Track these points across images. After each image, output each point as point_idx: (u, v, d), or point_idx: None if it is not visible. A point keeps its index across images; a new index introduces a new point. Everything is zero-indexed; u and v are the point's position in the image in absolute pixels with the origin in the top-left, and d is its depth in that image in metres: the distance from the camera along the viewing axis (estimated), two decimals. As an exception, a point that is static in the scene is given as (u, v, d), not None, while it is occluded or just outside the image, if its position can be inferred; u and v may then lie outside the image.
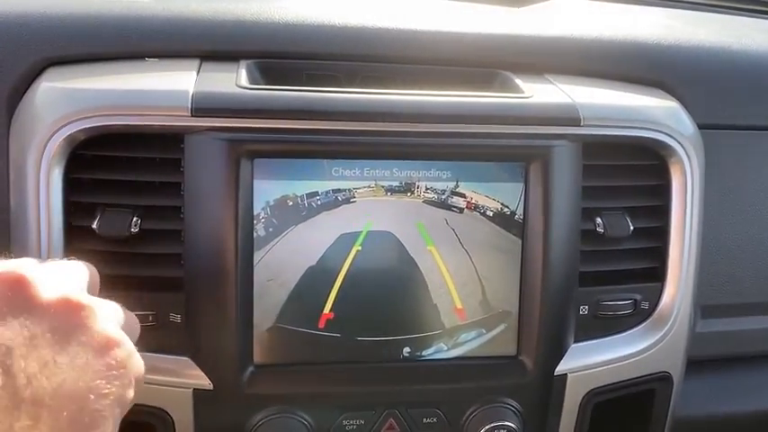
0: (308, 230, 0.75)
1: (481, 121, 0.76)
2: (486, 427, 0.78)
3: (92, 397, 0.48)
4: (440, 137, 0.75)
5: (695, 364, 0.96)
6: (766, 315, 1.03)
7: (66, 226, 0.73)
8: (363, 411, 0.78)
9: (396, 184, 0.76)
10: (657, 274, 0.86)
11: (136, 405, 0.74)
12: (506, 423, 0.78)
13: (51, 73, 0.79)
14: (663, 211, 0.85)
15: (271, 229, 0.74)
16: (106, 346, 0.51)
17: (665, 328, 0.86)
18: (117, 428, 0.51)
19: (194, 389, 0.75)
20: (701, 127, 0.89)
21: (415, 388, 0.79)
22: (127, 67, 0.81)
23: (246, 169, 0.72)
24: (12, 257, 0.73)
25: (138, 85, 0.76)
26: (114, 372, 0.50)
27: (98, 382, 0.49)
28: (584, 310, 0.83)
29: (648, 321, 0.86)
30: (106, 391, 0.49)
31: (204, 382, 0.75)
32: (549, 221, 0.78)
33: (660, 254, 0.86)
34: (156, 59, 0.83)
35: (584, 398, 0.84)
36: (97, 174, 0.74)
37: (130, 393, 0.52)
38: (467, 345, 0.80)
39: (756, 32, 1.08)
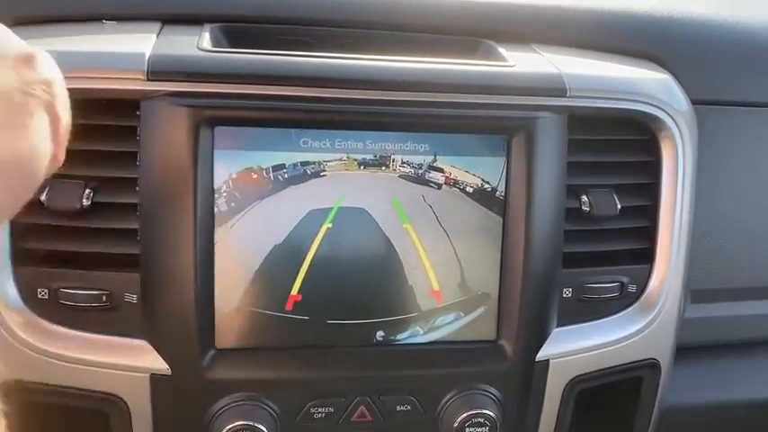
0: (274, 206, 0.70)
1: (461, 89, 0.71)
2: (463, 415, 0.73)
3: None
4: (417, 106, 0.70)
5: (683, 351, 0.92)
6: (757, 300, 0.99)
7: None
8: (333, 398, 0.73)
9: (369, 157, 0.71)
10: (646, 256, 0.82)
11: (88, 391, 0.71)
12: (484, 411, 0.74)
13: (14, 32, 0.74)
14: (652, 190, 0.81)
15: (233, 204, 0.69)
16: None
17: (654, 313, 0.81)
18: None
19: (151, 374, 0.70)
20: (693, 102, 0.85)
21: (388, 374, 0.74)
22: (84, 29, 0.76)
23: (206, 138, 0.67)
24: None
25: (92, 48, 0.71)
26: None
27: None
28: (567, 292, 0.79)
29: (636, 305, 0.82)
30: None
31: (162, 366, 0.70)
32: (531, 198, 0.73)
33: (649, 234, 0.81)
34: (114, 22, 0.78)
35: (567, 385, 0.80)
36: None
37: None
38: (443, 329, 0.75)
39: (752, 6, 1.03)
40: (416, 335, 0.75)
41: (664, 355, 0.84)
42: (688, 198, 0.81)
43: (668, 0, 1.00)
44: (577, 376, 0.80)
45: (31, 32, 0.74)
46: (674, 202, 0.80)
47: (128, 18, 0.79)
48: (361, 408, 0.74)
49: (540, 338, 0.77)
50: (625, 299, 0.81)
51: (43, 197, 0.68)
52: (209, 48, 0.71)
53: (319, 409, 0.73)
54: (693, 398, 0.97)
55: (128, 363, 0.70)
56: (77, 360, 0.70)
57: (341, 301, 0.73)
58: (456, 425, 0.73)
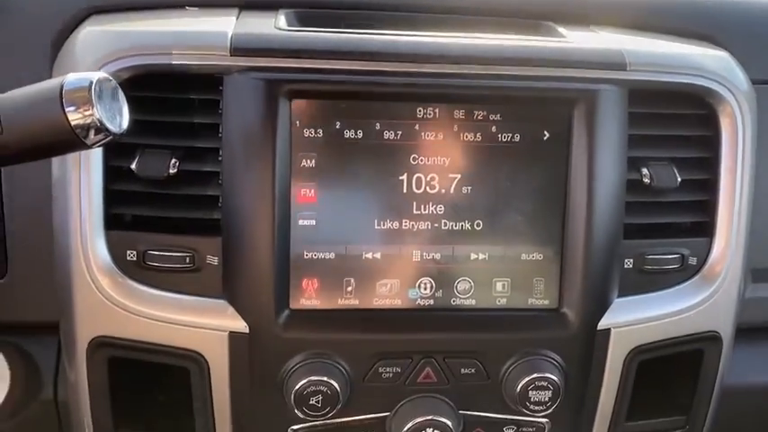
0: (349, 174, 0.74)
1: (524, 63, 0.74)
2: (527, 378, 0.75)
3: None
4: (482, 79, 0.73)
5: (744, 332, 0.92)
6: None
7: (105, 166, 0.74)
8: (400, 359, 0.76)
9: (439, 125, 0.74)
10: (706, 229, 0.83)
11: (171, 348, 0.76)
12: (547, 375, 0.75)
13: (94, 19, 0.80)
14: (712, 164, 0.82)
15: (309, 173, 0.73)
16: None
17: (714, 286, 0.82)
18: None
19: (230, 332, 0.75)
20: (753, 83, 0.86)
21: (453, 336, 0.77)
22: (167, 14, 0.82)
23: (285, 110, 0.72)
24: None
25: (179, 28, 0.76)
26: None
27: None
28: (628, 263, 0.80)
29: (697, 277, 0.83)
30: None
31: (240, 324, 0.74)
32: (593, 169, 0.75)
33: (709, 208, 0.82)
34: (195, 8, 0.84)
35: (628, 355, 0.81)
36: (137, 115, 0.73)
37: None
38: (507, 294, 0.78)
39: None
40: (480, 299, 0.77)
41: (725, 329, 0.85)
42: (748, 173, 0.82)
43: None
44: (639, 346, 0.81)
45: (115, 17, 0.80)
46: (733, 177, 0.81)
47: (207, 5, 0.85)
48: (427, 369, 0.77)
49: (602, 307, 0.79)
50: (686, 271, 0.82)
51: (133, 165, 0.73)
52: (286, 27, 0.76)
53: (387, 369, 0.76)
54: (755, 379, 0.97)
55: (209, 322, 0.75)
56: (162, 318, 0.74)
57: (408, 263, 0.76)
58: (519, 388, 0.76)
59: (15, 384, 0.86)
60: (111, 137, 0.56)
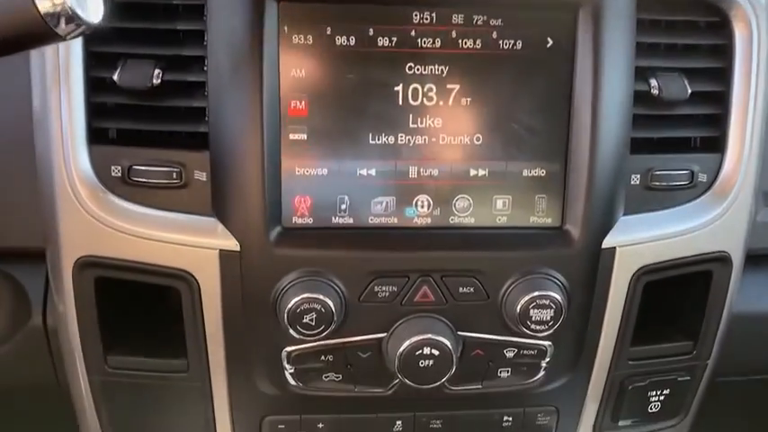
0: (341, 81, 0.70)
1: None
2: (528, 296, 0.73)
3: None
4: None
5: (755, 258, 0.89)
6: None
7: (87, 78, 0.71)
8: (396, 277, 0.73)
9: (438, 29, 0.70)
10: (717, 144, 0.79)
11: (160, 267, 0.74)
12: (550, 293, 0.73)
13: None
14: (724, 75, 0.78)
15: (299, 80, 0.70)
16: None
17: (725, 203, 0.79)
18: None
19: (220, 250, 0.72)
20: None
21: (451, 255, 0.74)
22: None
23: (272, 13, 0.68)
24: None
25: None
26: None
27: None
28: (635, 179, 0.77)
29: (706, 195, 0.79)
30: None
31: (230, 242, 0.72)
32: (599, 79, 0.71)
33: (720, 121, 0.79)
34: None
35: (634, 275, 0.78)
36: (119, 22, 0.70)
37: None
38: (507, 211, 0.75)
39: None
40: (479, 217, 0.74)
41: (735, 250, 0.82)
42: (763, 84, 0.78)
43: None
44: (645, 266, 0.78)
45: None
46: (747, 88, 0.77)
47: None
48: (424, 288, 0.74)
49: (607, 225, 0.76)
50: (695, 188, 0.79)
51: (116, 76, 0.70)
52: None
53: (383, 288, 0.73)
54: (765, 306, 0.94)
55: (198, 240, 0.72)
56: (149, 236, 0.72)
57: (404, 180, 0.73)
58: (520, 307, 0.73)
59: (3, 311, 0.85)
60: (84, 26, 0.52)
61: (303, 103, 0.71)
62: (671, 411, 0.90)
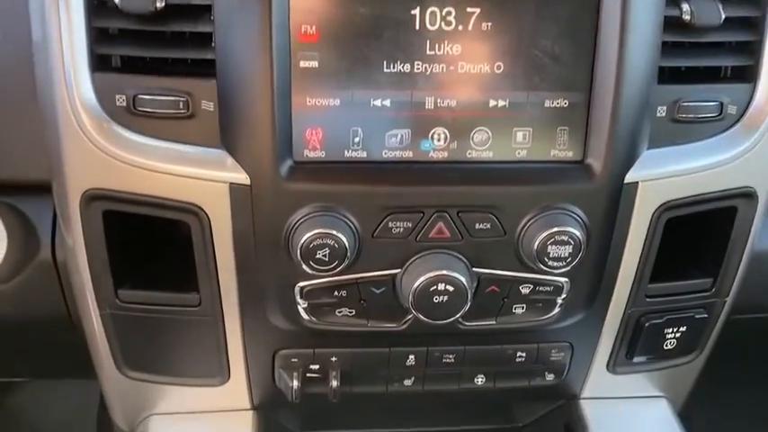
0: (355, 8, 0.66)
1: None
2: (546, 232, 0.70)
3: None
4: None
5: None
6: None
7: (87, 2, 0.67)
8: (410, 213, 0.71)
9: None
10: (749, 74, 0.75)
11: (168, 200, 0.72)
12: (568, 229, 0.70)
13: None
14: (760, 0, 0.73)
15: (311, 3, 0.66)
16: None
17: (754, 137, 0.76)
18: None
19: (230, 183, 0.70)
20: None
21: (467, 190, 0.72)
22: None
23: None
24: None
25: None
26: None
27: None
28: (661, 111, 0.73)
29: (735, 128, 0.76)
30: None
31: (240, 176, 0.70)
32: (627, 2, 0.67)
33: (754, 50, 0.74)
34: None
35: (656, 211, 0.76)
36: None
37: None
38: (528, 145, 0.72)
39: None
40: (498, 151, 0.72)
41: (761, 185, 0.79)
42: None
43: None
44: (667, 202, 0.76)
45: None
46: None
47: None
48: (440, 224, 0.72)
49: (630, 159, 0.73)
50: (723, 121, 0.76)
51: (117, 0, 0.66)
52: None
53: (397, 224, 0.71)
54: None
55: (207, 173, 0.70)
56: (156, 169, 0.70)
57: (420, 111, 0.70)
58: (537, 244, 0.71)
59: (12, 245, 0.84)
60: None
61: (314, 27, 0.67)
62: (686, 348, 0.90)
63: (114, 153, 0.69)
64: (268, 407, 0.92)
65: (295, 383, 0.84)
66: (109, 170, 0.70)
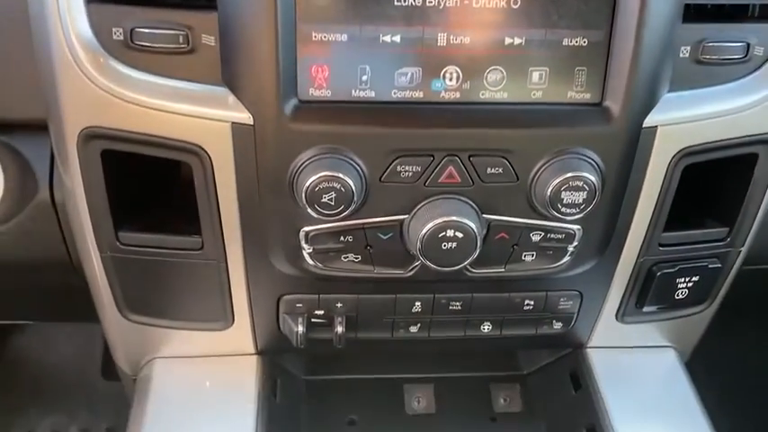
0: None
1: None
2: (560, 178, 0.68)
3: None
4: None
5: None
6: None
7: None
8: (420, 156, 0.69)
9: None
10: None
11: (168, 140, 0.69)
12: (584, 174, 0.68)
13: None
14: None
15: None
16: None
17: (781, 80, 0.72)
18: None
19: (232, 123, 0.67)
20: None
21: (480, 133, 0.69)
22: None
23: None
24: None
25: None
26: None
27: None
28: (684, 51, 0.70)
29: (761, 70, 0.72)
30: None
31: (243, 115, 0.67)
32: None
33: None
34: None
35: (674, 157, 0.73)
36: None
37: None
38: (544, 86, 0.69)
39: None
40: (513, 92, 0.68)
41: (785, 131, 0.76)
42: None
43: None
44: (687, 148, 0.73)
45: None
46: None
47: None
48: (450, 168, 0.69)
49: (650, 102, 0.70)
50: (749, 63, 0.72)
51: None
52: None
53: (406, 168, 0.69)
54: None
55: (207, 111, 0.67)
56: (154, 106, 0.67)
57: (432, 48, 0.66)
58: (551, 190, 0.68)
59: (9, 185, 0.82)
60: None
61: None
62: (697, 298, 0.88)
63: (111, 89, 0.66)
64: (273, 352, 0.91)
65: (300, 329, 0.83)
66: (106, 107, 0.67)
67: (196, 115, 0.67)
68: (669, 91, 0.71)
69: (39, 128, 0.77)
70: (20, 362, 1.67)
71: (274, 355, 0.92)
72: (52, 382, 1.63)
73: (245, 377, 0.89)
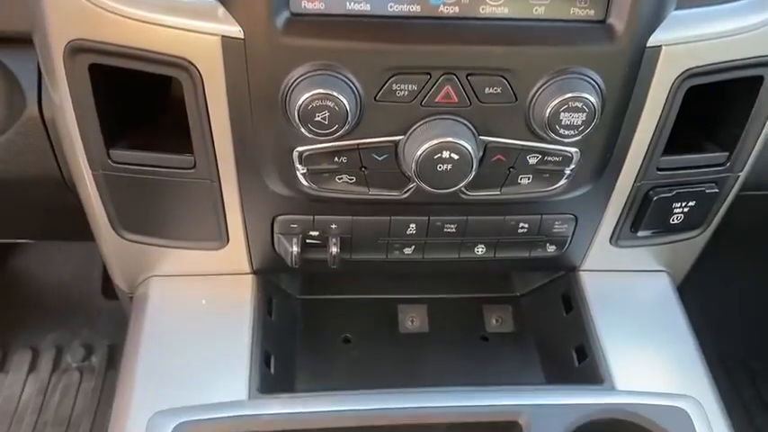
0: None
1: None
2: (560, 98, 0.66)
3: None
4: None
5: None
6: None
7: None
8: (416, 74, 0.67)
9: None
10: None
11: (156, 54, 0.67)
12: (583, 95, 0.66)
13: None
14: None
15: None
16: None
17: (793, -1, 0.69)
18: None
19: (222, 36, 0.65)
20: None
21: (479, 50, 0.66)
22: None
23: None
24: None
25: None
26: None
27: None
28: None
29: (771, -12, 0.70)
30: None
31: (233, 29, 0.65)
32: None
33: None
34: None
35: (677, 78, 0.71)
36: None
37: None
38: (546, 2, 0.66)
39: None
40: (514, 7, 0.66)
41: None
42: None
43: None
44: (691, 68, 0.71)
45: None
46: None
47: None
48: (447, 87, 0.68)
49: (656, 19, 0.67)
50: None
51: None
52: None
53: (402, 86, 0.67)
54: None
55: (196, 24, 0.65)
56: (142, 18, 0.64)
57: None
58: (550, 110, 0.67)
59: (-2, 100, 0.80)
60: None
61: None
62: (693, 223, 0.88)
63: (99, 1, 0.64)
64: (268, 271, 0.92)
65: (294, 249, 0.83)
66: (92, 19, 0.65)
67: (184, 28, 0.65)
68: (676, 8, 0.68)
69: (25, 41, 0.74)
70: (21, 281, 1.69)
71: (270, 274, 0.93)
72: (53, 300, 1.65)
73: (240, 295, 0.90)
